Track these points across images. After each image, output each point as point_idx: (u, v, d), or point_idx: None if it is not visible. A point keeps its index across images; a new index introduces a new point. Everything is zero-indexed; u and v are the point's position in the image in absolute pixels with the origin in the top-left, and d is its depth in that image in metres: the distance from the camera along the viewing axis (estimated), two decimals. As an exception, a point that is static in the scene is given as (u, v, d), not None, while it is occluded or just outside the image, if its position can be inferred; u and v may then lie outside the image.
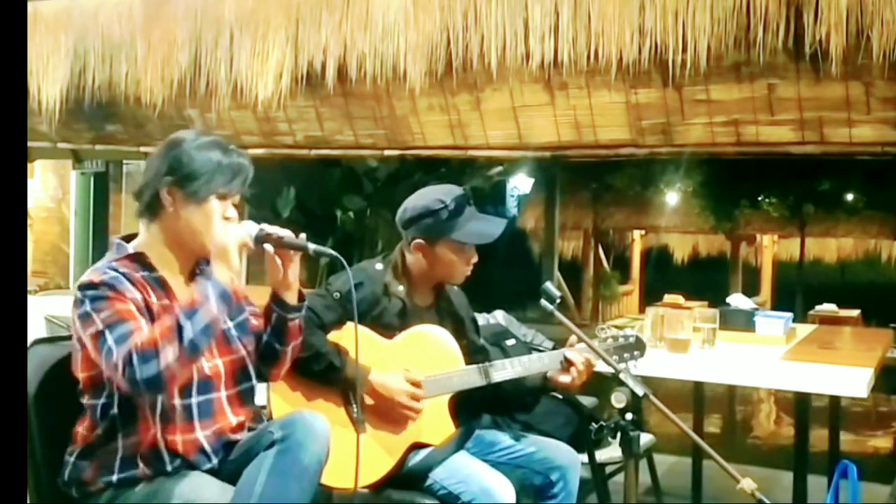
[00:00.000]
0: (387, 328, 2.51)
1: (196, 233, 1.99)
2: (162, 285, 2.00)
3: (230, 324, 2.10)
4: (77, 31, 5.78)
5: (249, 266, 6.60)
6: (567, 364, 2.54)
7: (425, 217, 2.53)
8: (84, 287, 1.92)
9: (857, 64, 4.03)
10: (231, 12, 5.29)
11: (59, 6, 5.88)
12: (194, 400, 1.99)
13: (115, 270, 1.95)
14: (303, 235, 2.03)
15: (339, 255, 2.03)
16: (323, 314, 2.41)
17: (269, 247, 2.00)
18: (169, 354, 1.80)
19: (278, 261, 2.02)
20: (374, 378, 2.42)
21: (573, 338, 2.60)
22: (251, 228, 1.99)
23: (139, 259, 2.01)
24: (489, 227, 2.55)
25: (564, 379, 2.55)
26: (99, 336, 1.86)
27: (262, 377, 2.21)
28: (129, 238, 2.07)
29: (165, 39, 5.49)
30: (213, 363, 2.03)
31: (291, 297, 2.08)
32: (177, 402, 1.96)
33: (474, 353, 2.64)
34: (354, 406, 2.44)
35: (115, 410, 1.95)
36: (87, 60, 5.74)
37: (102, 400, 1.96)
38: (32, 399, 2.02)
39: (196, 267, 2.10)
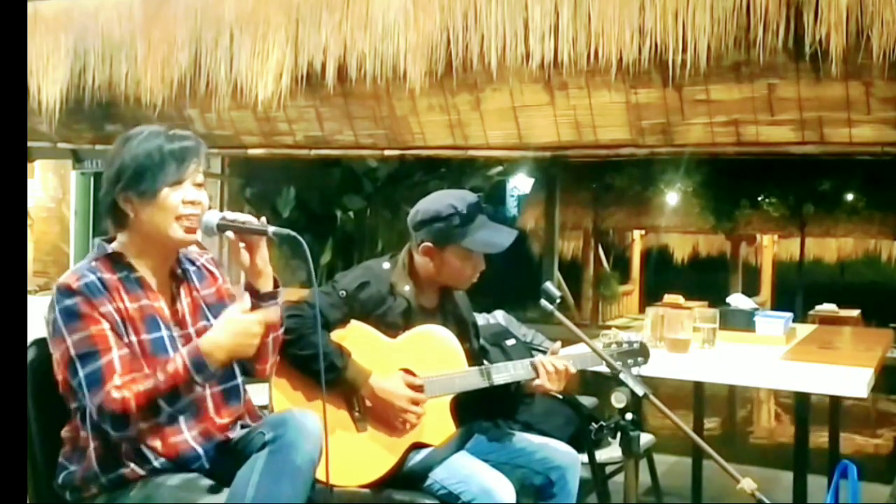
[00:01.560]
0: (391, 327, 2.52)
1: (160, 229, 1.96)
2: (140, 284, 2.00)
3: (213, 321, 2.06)
4: (77, 31, 5.78)
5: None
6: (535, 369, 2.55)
7: (436, 221, 2.53)
8: (61, 291, 1.91)
9: (857, 64, 4.03)
10: (231, 12, 5.29)
11: (59, 6, 5.88)
12: (181, 403, 1.96)
13: (93, 273, 1.94)
14: (263, 219, 1.98)
15: (297, 235, 1.96)
16: (327, 312, 2.41)
17: (230, 234, 1.96)
18: (141, 424, 1.85)
19: (242, 247, 1.98)
20: (374, 382, 2.42)
21: (556, 346, 2.62)
22: (213, 216, 1.96)
23: (118, 259, 2.00)
24: (499, 238, 2.56)
25: (535, 383, 2.56)
26: (69, 364, 1.88)
27: (248, 373, 2.17)
28: (111, 239, 2.06)
29: (165, 39, 5.49)
30: None
31: (263, 285, 2.03)
32: (163, 407, 1.93)
33: (475, 357, 2.64)
34: (356, 407, 2.44)
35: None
36: (87, 60, 5.73)
37: (81, 404, 1.94)
38: (32, 399, 2.02)
39: (175, 261, 2.08)
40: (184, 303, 2.07)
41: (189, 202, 1.97)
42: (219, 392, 2.06)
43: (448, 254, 2.55)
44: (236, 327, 1.90)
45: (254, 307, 2.03)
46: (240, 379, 2.12)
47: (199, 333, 2.03)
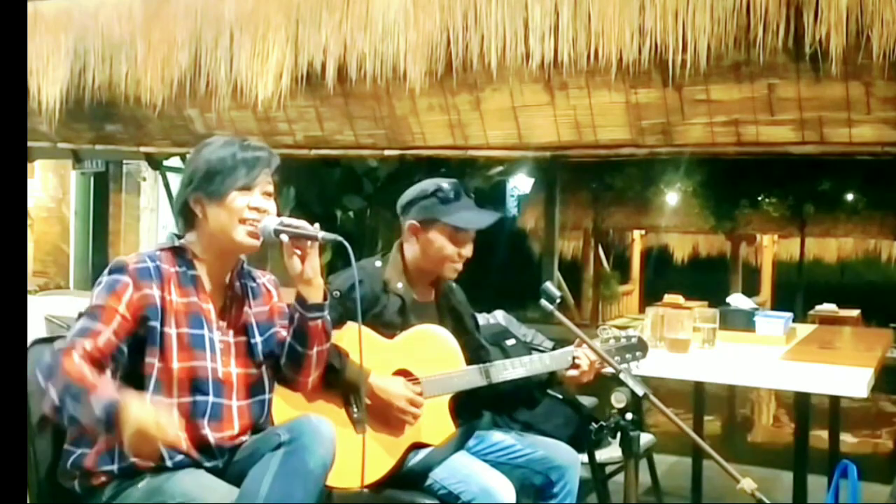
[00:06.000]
0: (387, 326, 2.51)
1: (224, 229, 2.02)
2: (194, 283, 2.05)
3: (258, 339, 2.13)
4: (77, 31, 5.77)
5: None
6: (574, 360, 2.56)
7: (421, 199, 2.58)
8: (115, 265, 1.98)
9: (857, 64, 4.02)
10: (231, 12, 5.28)
11: (59, 6, 5.87)
12: (210, 399, 2.01)
13: (153, 260, 2.01)
14: (316, 225, 2.04)
15: (343, 240, 2.02)
16: None
17: (284, 237, 2.01)
18: (52, 390, 1.80)
19: (297, 253, 2.03)
20: (374, 381, 2.42)
21: (577, 343, 2.62)
22: (272, 221, 2.02)
23: (181, 254, 2.07)
24: (480, 216, 2.58)
25: (571, 372, 2.57)
26: (78, 316, 1.94)
27: (289, 382, 2.21)
28: (181, 235, 2.12)
29: (165, 39, 5.48)
30: (227, 370, 2.05)
31: (313, 295, 2.08)
32: (187, 398, 1.98)
33: (474, 350, 2.64)
34: (355, 407, 2.44)
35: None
36: (87, 60, 5.73)
37: None
38: (32, 398, 2.02)
39: (237, 273, 2.13)
40: (233, 313, 2.12)
41: (254, 208, 2.03)
42: (246, 406, 2.09)
43: (432, 233, 2.56)
44: (142, 422, 1.74)
45: (301, 318, 2.08)
46: (268, 395, 2.15)
47: (238, 346, 2.09)
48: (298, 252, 2.03)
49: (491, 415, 2.84)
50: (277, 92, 5.13)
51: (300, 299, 2.09)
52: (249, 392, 2.10)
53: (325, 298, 2.11)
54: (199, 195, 2.04)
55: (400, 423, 2.44)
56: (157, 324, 1.96)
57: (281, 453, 1.90)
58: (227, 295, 2.12)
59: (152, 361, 1.96)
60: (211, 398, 2.01)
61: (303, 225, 2.02)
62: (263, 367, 2.13)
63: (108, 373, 1.90)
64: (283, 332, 2.18)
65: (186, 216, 2.09)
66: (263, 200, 2.05)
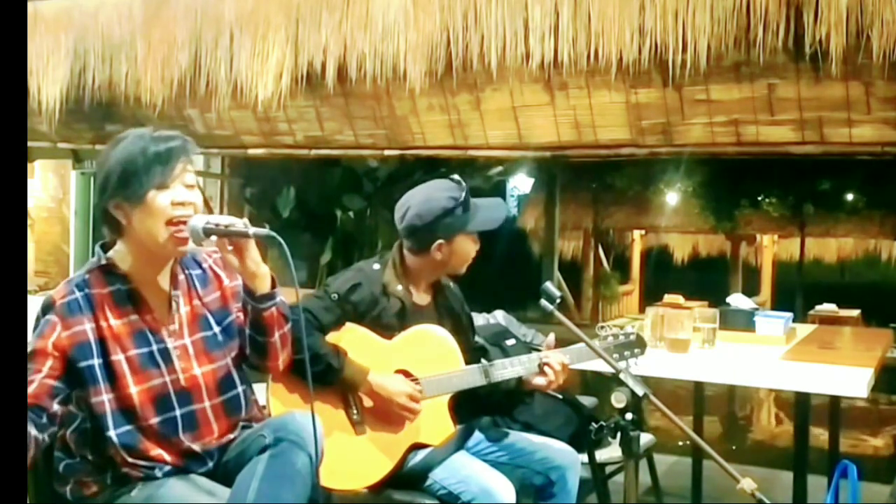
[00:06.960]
0: (386, 328, 2.51)
1: (151, 234, 1.92)
2: (131, 298, 1.96)
3: (216, 329, 2.05)
4: (77, 31, 5.78)
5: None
6: (542, 366, 2.54)
7: (444, 217, 2.52)
8: (46, 303, 1.92)
9: (857, 64, 4.03)
10: (231, 12, 5.28)
11: (59, 6, 5.88)
12: (178, 412, 1.95)
13: (82, 289, 1.93)
14: (245, 220, 1.92)
15: (275, 235, 1.91)
16: (321, 315, 2.41)
17: (213, 237, 1.91)
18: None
19: (230, 249, 1.93)
20: (372, 379, 2.42)
21: (550, 339, 2.61)
22: (199, 221, 1.91)
23: (111, 270, 1.97)
24: (495, 212, 2.60)
25: (539, 381, 2.55)
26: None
27: (260, 369, 2.15)
28: (112, 244, 2.01)
29: (165, 39, 5.48)
30: (189, 374, 1.98)
31: (260, 285, 1.98)
32: (155, 419, 1.93)
33: (472, 351, 2.64)
34: (354, 409, 2.44)
35: (87, 426, 1.95)
36: (87, 60, 5.73)
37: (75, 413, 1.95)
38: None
39: (178, 265, 2.04)
40: (182, 312, 2.02)
41: (179, 203, 1.91)
42: (219, 403, 2.03)
43: (457, 244, 2.56)
44: None
45: (255, 309, 2.01)
46: (241, 388, 2.08)
47: (196, 344, 2.01)
48: (231, 248, 1.93)
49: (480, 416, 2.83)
50: (277, 92, 5.14)
51: (248, 292, 1.99)
52: (220, 388, 2.02)
53: (273, 285, 2.01)
54: (117, 200, 1.91)
55: (400, 419, 2.44)
56: (94, 360, 1.89)
57: (266, 456, 1.86)
58: (171, 296, 2.01)
59: (100, 399, 1.90)
60: (179, 411, 1.95)
61: (233, 222, 1.91)
62: (228, 360, 2.05)
63: (55, 407, 1.87)
64: (242, 316, 2.08)
65: (111, 224, 1.96)
66: (187, 193, 1.93)
